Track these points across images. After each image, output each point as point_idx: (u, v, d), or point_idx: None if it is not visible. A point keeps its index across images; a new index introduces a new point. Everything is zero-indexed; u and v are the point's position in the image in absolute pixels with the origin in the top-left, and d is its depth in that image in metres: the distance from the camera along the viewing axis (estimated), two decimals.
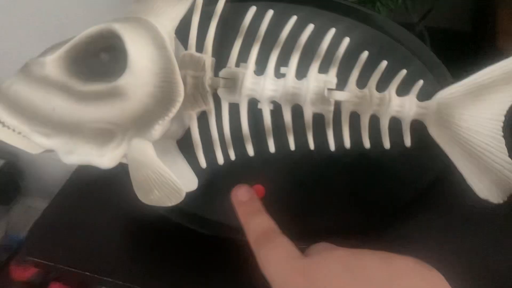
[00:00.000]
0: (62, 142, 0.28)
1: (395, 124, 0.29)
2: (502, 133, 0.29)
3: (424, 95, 0.29)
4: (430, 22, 0.49)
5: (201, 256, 0.36)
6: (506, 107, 0.29)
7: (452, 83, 0.29)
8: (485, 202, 0.29)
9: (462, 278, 0.25)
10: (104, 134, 0.28)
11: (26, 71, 0.29)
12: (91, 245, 0.38)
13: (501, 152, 0.29)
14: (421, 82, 0.29)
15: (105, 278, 0.35)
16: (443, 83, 0.30)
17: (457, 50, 0.44)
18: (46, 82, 0.28)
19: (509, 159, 0.29)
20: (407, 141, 0.29)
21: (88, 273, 0.35)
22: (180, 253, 0.37)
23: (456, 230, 0.36)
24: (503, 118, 0.29)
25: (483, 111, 0.29)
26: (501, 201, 0.29)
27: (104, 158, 0.28)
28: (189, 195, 0.29)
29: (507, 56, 0.29)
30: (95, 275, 0.35)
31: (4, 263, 0.85)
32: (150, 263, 0.36)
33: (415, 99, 0.29)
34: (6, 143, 0.30)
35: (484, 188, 0.29)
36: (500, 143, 0.29)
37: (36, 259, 0.35)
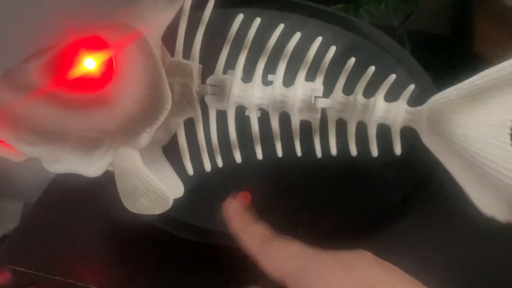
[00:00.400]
0: (47, 151, 0.28)
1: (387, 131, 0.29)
2: (510, 142, 0.26)
3: (412, 102, 0.29)
4: (410, 26, 0.50)
5: (186, 262, 0.36)
6: None
7: (436, 93, 0.29)
8: (491, 220, 0.26)
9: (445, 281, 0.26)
10: (90, 143, 0.28)
11: (9, 78, 0.29)
12: (71, 252, 0.37)
13: (508, 163, 0.26)
14: (412, 87, 0.28)
15: (82, 284, 0.34)
16: (427, 93, 0.30)
17: (436, 53, 0.45)
18: (30, 89, 0.28)
19: None
20: (397, 149, 0.29)
21: (65, 280, 0.35)
22: (164, 259, 0.37)
23: (444, 236, 0.37)
24: (510, 125, 0.26)
25: (485, 117, 0.26)
26: (508, 219, 0.26)
27: (91, 166, 0.28)
28: (176, 202, 0.29)
29: (484, 60, 0.29)
30: (76, 282, 0.34)
31: None
32: (132, 269, 0.36)
33: (405, 105, 0.28)
34: None
35: (490, 205, 0.27)
36: (507, 153, 0.26)
37: (14, 267, 0.35)
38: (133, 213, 0.29)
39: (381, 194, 0.32)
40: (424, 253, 0.35)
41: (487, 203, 0.26)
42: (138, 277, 0.36)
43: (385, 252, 0.25)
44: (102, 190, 0.33)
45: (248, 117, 0.30)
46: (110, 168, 0.29)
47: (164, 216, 0.33)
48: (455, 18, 0.56)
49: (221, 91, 0.29)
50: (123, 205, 0.29)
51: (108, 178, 0.30)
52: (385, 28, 0.47)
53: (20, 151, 0.28)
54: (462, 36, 0.52)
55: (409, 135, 0.28)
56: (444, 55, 0.51)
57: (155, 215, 0.29)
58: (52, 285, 0.35)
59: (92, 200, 0.39)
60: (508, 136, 0.26)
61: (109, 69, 0.28)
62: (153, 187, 0.27)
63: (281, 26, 0.29)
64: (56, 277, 0.35)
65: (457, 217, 0.32)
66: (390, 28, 0.50)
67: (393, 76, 0.28)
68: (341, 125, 0.29)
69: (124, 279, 0.36)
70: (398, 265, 0.25)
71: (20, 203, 1.11)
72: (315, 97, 0.29)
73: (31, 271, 0.35)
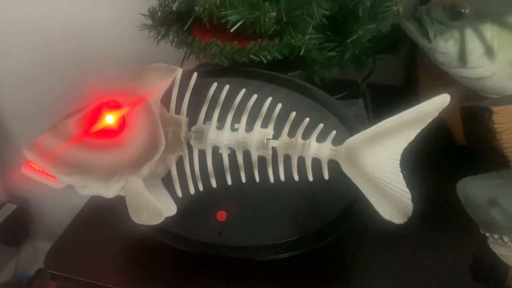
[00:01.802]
0: (78, 179, 0.40)
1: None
2: (399, 169, 0.39)
3: (339, 142, 0.40)
4: (371, 80, 0.61)
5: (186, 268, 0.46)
6: (400, 149, 0.39)
7: (359, 131, 0.40)
8: (390, 223, 0.39)
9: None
10: (108, 173, 0.39)
11: (54, 130, 0.41)
12: (100, 259, 0.48)
13: (399, 183, 0.38)
14: (334, 132, 0.40)
15: (110, 286, 0.45)
16: (353, 132, 0.41)
17: (392, 103, 0.55)
18: (69, 137, 0.40)
19: (406, 189, 0.38)
20: (326, 175, 0.40)
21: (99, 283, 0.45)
22: (166, 266, 0.47)
23: (373, 243, 0.47)
24: (398, 157, 0.39)
25: (382, 152, 0.39)
26: (402, 222, 0.39)
27: (108, 190, 0.39)
28: (170, 218, 0.41)
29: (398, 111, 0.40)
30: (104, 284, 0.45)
31: None
32: (143, 272, 0.46)
33: (330, 145, 0.40)
34: (36, 182, 0.41)
35: (387, 212, 0.39)
36: (398, 176, 0.38)
37: (56, 272, 0.46)
38: (139, 224, 0.40)
39: (319, 211, 0.42)
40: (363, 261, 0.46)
41: (385, 211, 0.38)
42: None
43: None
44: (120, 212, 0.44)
45: (221, 154, 0.41)
46: (122, 193, 0.41)
47: (162, 230, 0.44)
48: (407, 72, 0.67)
49: (201, 136, 0.41)
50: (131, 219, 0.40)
51: (121, 202, 0.41)
52: (351, 83, 0.59)
53: (59, 180, 0.40)
54: (412, 87, 0.63)
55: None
56: (399, 104, 0.62)
57: (155, 230, 0.41)
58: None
59: (115, 220, 0.49)
60: (398, 165, 0.39)
61: (122, 123, 0.40)
62: (151, 204, 0.38)
63: (243, 91, 0.41)
64: (87, 280, 0.46)
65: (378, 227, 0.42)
66: (354, 82, 0.61)
67: (321, 125, 0.40)
68: (287, 159, 0.41)
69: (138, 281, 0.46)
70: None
71: (51, 243, 1.22)
72: (267, 139, 0.40)
73: (66, 275, 0.46)
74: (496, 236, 0.32)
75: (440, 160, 0.56)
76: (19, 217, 1.22)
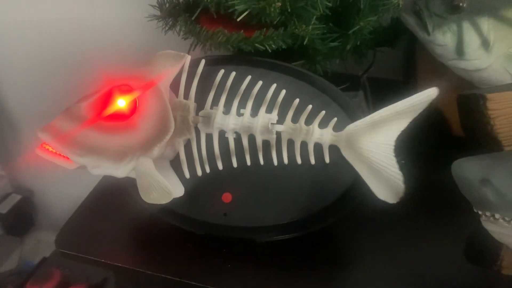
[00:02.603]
0: (91, 160, 0.42)
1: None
2: (393, 154, 0.42)
3: (339, 128, 0.42)
4: (371, 73, 0.63)
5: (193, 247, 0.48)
6: (395, 136, 0.42)
7: (360, 119, 0.42)
8: (384, 202, 0.42)
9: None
10: (120, 154, 0.41)
11: (68, 112, 0.43)
12: (108, 240, 0.50)
13: (392, 166, 0.41)
14: (335, 119, 0.42)
15: (118, 264, 0.47)
16: (353, 119, 0.43)
17: (391, 96, 0.57)
18: (82, 120, 0.42)
19: (398, 171, 0.41)
20: (327, 159, 0.42)
21: (108, 262, 0.47)
22: (173, 247, 0.49)
23: (370, 224, 0.49)
24: (393, 143, 0.42)
25: (378, 139, 0.42)
26: (394, 202, 0.41)
27: (119, 170, 0.41)
28: (177, 200, 0.42)
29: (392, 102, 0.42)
30: (107, 262, 0.47)
31: (21, 284, 0.96)
32: (150, 252, 0.48)
33: (331, 131, 0.42)
34: (51, 162, 0.43)
35: (382, 192, 0.41)
36: (392, 160, 0.41)
37: (66, 251, 0.48)
38: (149, 204, 0.42)
39: (319, 194, 0.44)
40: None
41: (381, 192, 0.41)
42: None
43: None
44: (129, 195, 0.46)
45: (227, 138, 0.43)
46: (132, 174, 0.42)
47: (169, 211, 0.46)
48: (406, 65, 0.69)
49: (208, 120, 0.43)
50: (142, 200, 0.42)
51: (132, 184, 0.43)
52: (352, 76, 0.61)
53: (73, 161, 0.42)
54: (410, 80, 0.65)
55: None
56: (398, 97, 0.64)
57: (162, 211, 0.43)
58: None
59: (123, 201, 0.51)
60: (392, 150, 0.41)
61: (133, 106, 0.42)
62: (161, 184, 0.40)
63: (249, 77, 0.43)
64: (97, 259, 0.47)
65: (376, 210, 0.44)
66: (355, 76, 0.63)
67: (323, 112, 0.42)
68: (290, 143, 0.42)
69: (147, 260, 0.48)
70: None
71: (54, 234, 1.24)
72: (272, 123, 0.42)
73: (76, 254, 0.48)
74: (488, 213, 0.34)
75: (437, 149, 0.58)
76: (23, 207, 1.24)
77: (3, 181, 1.22)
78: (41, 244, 1.35)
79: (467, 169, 0.34)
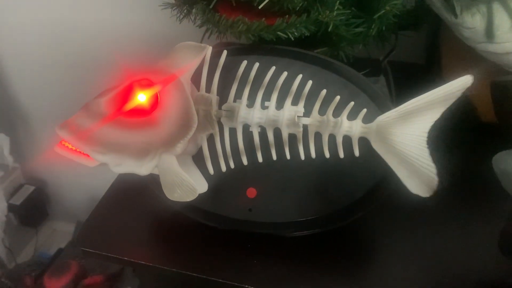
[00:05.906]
0: (112, 158, 0.40)
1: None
2: (426, 145, 0.40)
3: (369, 119, 0.41)
4: (392, 57, 0.61)
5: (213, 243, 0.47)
6: (428, 127, 0.40)
7: (390, 109, 0.40)
8: (417, 196, 0.39)
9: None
10: (142, 151, 0.40)
11: (87, 109, 0.41)
12: (130, 237, 0.48)
13: (425, 158, 0.39)
14: (364, 110, 0.40)
15: (142, 262, 0.46)
16: (383, 110, 0.41)
17: (413, 80, 0.55)
18: (101, 116, 0.40)
19: (432, 163, 0.39)
20: (356, 152, 0.40)
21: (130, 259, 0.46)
22: (196, 243, 0.48)
23: (400, 221, 0.47)
24: (426, 134, 0.40)
25: (411, 130, 0.40)
26: (428, 195, 0.39)
27: (142, 168, 0.40)
28: (201, 196, 0.41)
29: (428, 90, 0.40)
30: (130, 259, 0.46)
31: (39, 275, 0.96)
32: (173, 249, 0.47)
33: (361, 122, 0.40)
34: (71, 160, 0.42)
35: (415, 186, 0.39)
36: (424, 153, 0.39)
37: (88, 249, 0.47)
38: (173, 201, 0.41)
39: (348, 188, 0.43)
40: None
41: (413, 185, 0.39)
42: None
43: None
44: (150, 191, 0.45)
45: (251, 132, 0.41)
46: (155, 171, 0.41)
47: (192, 207, 0.45)
48: (429, 50, 0.67)
49: (232, 114, 0.41)
50: (165, 197, 0.41)
51: (155, 181, 0.41)
52: (373, 60, 0.59)
53: (94, 159, 0.41)
54: (434, 65, 0.63)
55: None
56: (421, 82, 0.61)
57: (186, 208, 0.41)
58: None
59: (144, 198, 0.50)
60: (425, 142, 0.39)
61: (155, 101, 0.40)
62: (185, 181, 0.39)
63: (273, 68, 0.41)
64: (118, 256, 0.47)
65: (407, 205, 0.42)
66: (376, 60, 0.61)
67: (352, 103, 0.40)
68: (318, 136, 0.41)
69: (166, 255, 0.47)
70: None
71: (72, 224, 1.25)
72: (298, 116, 0.40)
73: (98, 252, 0.47)
74: None
75: (466, 137, 0.56)
76: (37, 199, 1.24)
77: (16, 173, 1.22)
78: (56, 234, 1.36)
79: (510, 162, 0.32)
